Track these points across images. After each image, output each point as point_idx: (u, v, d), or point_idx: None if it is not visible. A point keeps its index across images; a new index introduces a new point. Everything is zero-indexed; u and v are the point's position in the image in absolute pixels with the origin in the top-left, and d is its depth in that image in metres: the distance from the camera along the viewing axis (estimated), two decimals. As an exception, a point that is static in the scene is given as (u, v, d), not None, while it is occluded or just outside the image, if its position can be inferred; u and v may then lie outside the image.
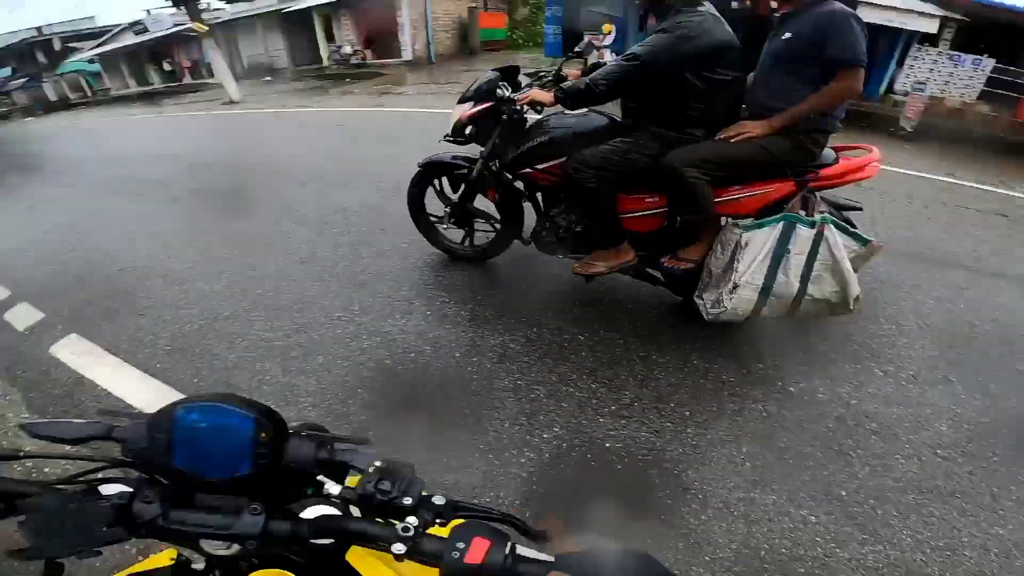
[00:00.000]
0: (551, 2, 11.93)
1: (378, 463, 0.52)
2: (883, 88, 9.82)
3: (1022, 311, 2.97)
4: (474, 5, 14.21)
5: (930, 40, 9.60)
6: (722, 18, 2.08)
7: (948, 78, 9.70)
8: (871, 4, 8.44)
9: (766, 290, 2.08)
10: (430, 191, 2.98)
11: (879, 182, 5.07)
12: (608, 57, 8.44)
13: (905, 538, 1.62)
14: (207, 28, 12.74)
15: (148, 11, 23.06)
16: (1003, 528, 1.67)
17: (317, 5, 16.09)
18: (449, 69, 9.66)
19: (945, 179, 5.84)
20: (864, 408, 2.14)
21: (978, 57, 9.54)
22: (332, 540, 0.51)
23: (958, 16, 9.18)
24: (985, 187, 5.74)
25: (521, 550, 0.46)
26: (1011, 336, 2.72)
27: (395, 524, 0.47)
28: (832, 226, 2.00)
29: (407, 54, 12.84)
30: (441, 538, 0.46)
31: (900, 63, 9.94)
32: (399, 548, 0.45)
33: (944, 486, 1.80)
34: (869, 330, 2.66)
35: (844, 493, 1.76)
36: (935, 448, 1.96)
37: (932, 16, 8.91)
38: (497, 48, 13.51)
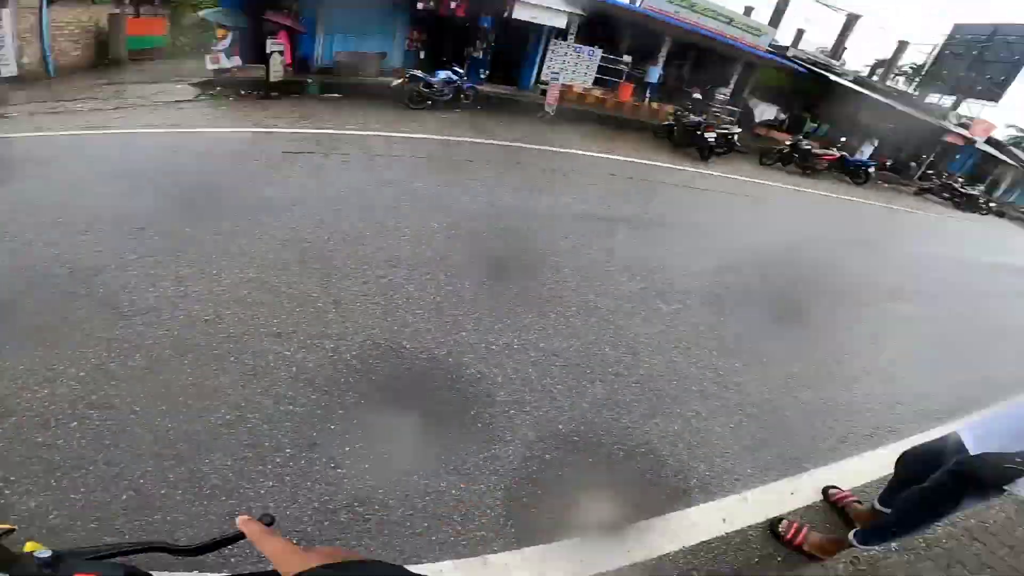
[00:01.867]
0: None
1: None
2: (534, 79, 12.03)
3: (679, 250, 4.25)
4: (116, 12, 11.64)
5: (563, 35, 11.87)
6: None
7: (575, 67, 12.51)
8: (523, 3, 9.90)
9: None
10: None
11: (532, 157, 6.46)
12: (224, 61, 7.99)
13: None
14: None
15: None
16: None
17: None
18: (79, 84, 7.86)
19: (576, 151, 7.77)
20: (550, 346, 2.81)
21: (592, 48, 12.51)
22: None
23: (579, 11, 11.46)
24: (601, 154, 7.84)
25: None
26: (649, 270, 3.88)
27: None
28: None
29: (8, 69, 9.74)
30: None
31: (543, 56, 12.27)
32: None
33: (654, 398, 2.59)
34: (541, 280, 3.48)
35: (560, 426, 2.33)
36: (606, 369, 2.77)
37: (563, 12, 10.92)
38: (151, 57, 11.47)
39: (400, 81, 7.99)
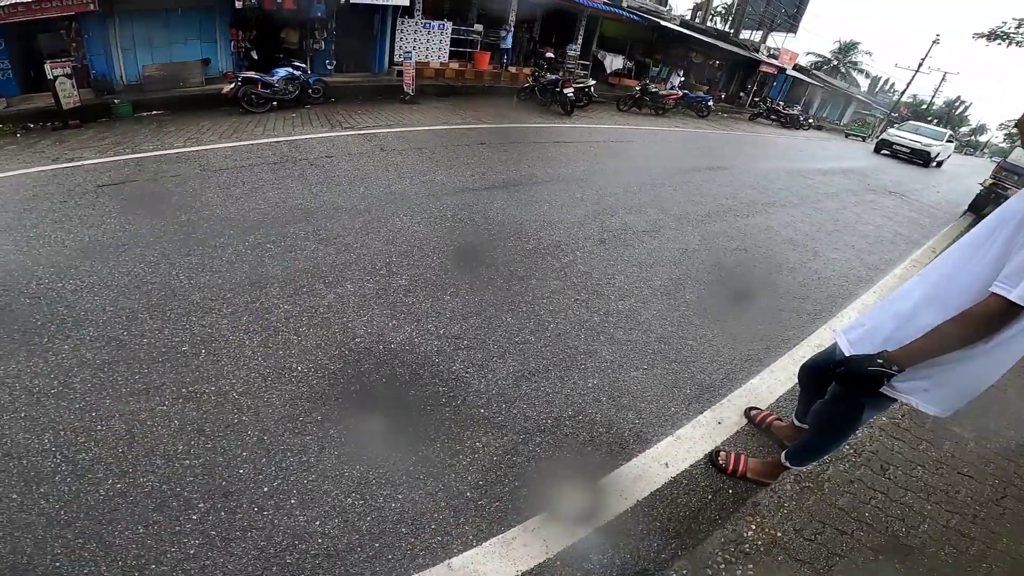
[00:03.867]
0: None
1: None
2: (387, 62, 11.46)
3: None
4: None
5: (409, 13, 11.38)
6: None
7: (427, 44, 12.12)
8: None
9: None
10: None
11: (405, 142, 6.16)
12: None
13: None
14: None
15: None
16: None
17: None
18: None
19: (443, 127, 7.53)
20: (450, 331, 2.67)
21: (442, 22, 12.16)
22: None
23: None
24: (469, 126, 7.69)
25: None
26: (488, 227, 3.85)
27: None
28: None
29: None
30: None
31: (393, 37, 11.72)
32: None
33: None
34: (427, 265, 3.30)
35: (482, 410, 2.19)
36: (512, 339, 2.69)
37: None
38: None
39: (232, 86, 7.13)
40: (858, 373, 1.49)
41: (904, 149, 15.59)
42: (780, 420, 2.33)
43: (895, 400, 1.56)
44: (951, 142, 18.21)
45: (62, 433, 1.87)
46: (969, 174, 14.82)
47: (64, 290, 2.70)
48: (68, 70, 6.66)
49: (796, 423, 2.15)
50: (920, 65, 30.38)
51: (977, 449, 2.45)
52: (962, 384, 1.44)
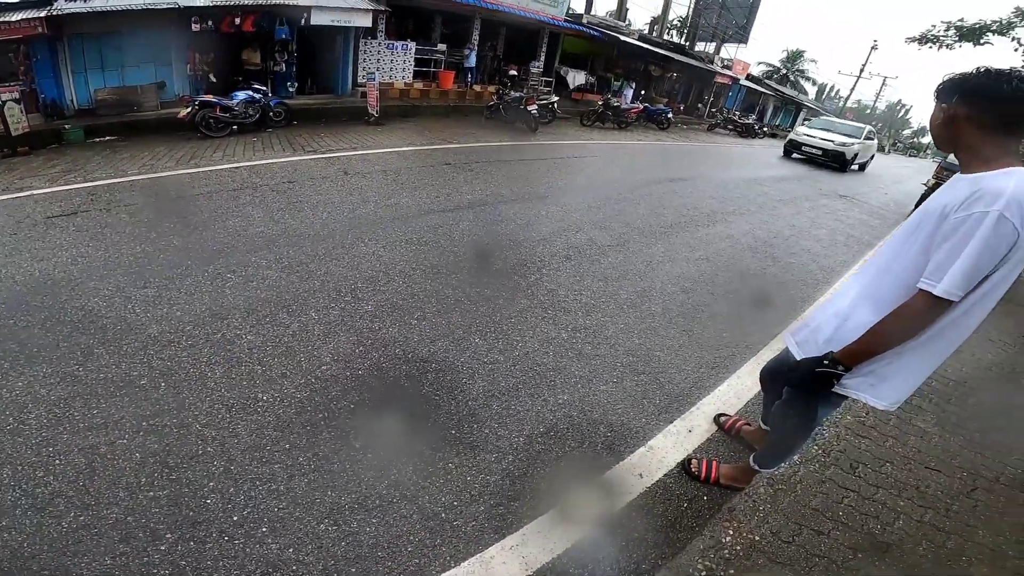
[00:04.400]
0: None
1: None
2: (350, 84, 11.43)
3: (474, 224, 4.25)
4: None
5: (372, 34, 11.36)
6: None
7: (391, 64, 12.16)
8: (321, 8, 9.24)
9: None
10: None
11: (370, 165, 6.14)
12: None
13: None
14: None
15: None
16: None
17: None
18: None
19: (408, 148, 7.54)
20: (419, 353, 2.65)
21: (405, 42, 12.23)
22: None
23: (382, 7, 11.01)
24: (434, 146, 7.74)
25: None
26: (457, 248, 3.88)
27: None
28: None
29: None
30: None
31: (356, 58, 11.69)
32: None
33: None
34: (393, 289, 3.26)
35: (453, 431, 2.16)
36: (481, 360, 2.66)
37: (366, 11, 10.42)
38: None
39: (188, 110, 6.99)
40: (808, 376, 1.54)
41: (815, 151, 13.17)
42: (748, 424, 2.38)
43: (846, 397, 1.61)
44: (871, 139, 15.35)
45: (20, 468, 1.82)
46: (914, 175, 15.66)
47: (15, 327, 2.59)
48: (16, 95, 6.43)
49: (763, 427, 2.20)
50: (861, 71, 32.28)
51: (942, 442, 2.53)
52: (904, 376, 1.49)
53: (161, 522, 1.67)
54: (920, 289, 1.31)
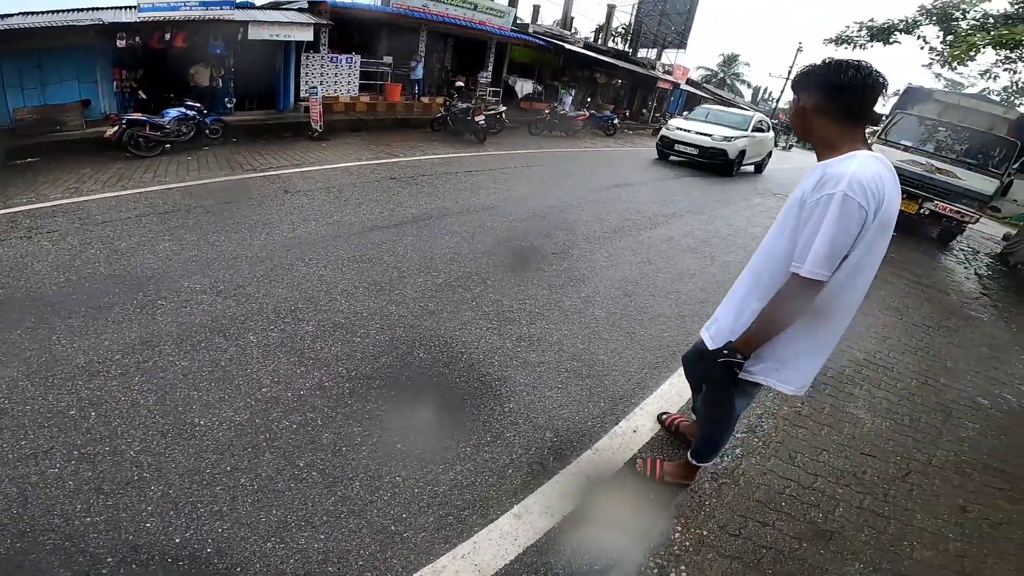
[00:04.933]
0: None
1: None
2: (292, 99, 11.18)
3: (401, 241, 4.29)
4: None
5: (313, 47, 11.15)
6: None
7: (335, 78, 11.97)
8: (258, 22, 9.11)
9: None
10: None
11: (312, 182, 6.04)
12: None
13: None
14: None
15: None
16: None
17: None
18: None
19: (353, 163, 7.48)
20: (360, 372, 2.63)
21: (350, 55, 12.06)
22: None
23: (324, 21, 10.86)
24: (380, 161, 7.69)
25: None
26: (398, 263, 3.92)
27: None
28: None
29: None
30: None
31: (298, 72, 11.42)
32: None
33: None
34: (333, 305, 3.22)
35: (400, 446, 2.17)
36: (426, 374, 2.65)
37: (307, 24, 10.28)
38: None
39: (115, 129, 6.66)
40: (711, 366, 1.62)
41: (691, 149, 10.45)
42: (686, 420, 2.45)
43: (759, 385, 1.71)
44: (764, 131, 12.06)
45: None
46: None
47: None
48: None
49: (695, 419, 2.28)
50: (789, 73, 34.31)
51: (874, 428, 2.67)
52: (802, 360, 1.59)
53: (101, 547, 1.65)
54: (792, 272, 1.41)
